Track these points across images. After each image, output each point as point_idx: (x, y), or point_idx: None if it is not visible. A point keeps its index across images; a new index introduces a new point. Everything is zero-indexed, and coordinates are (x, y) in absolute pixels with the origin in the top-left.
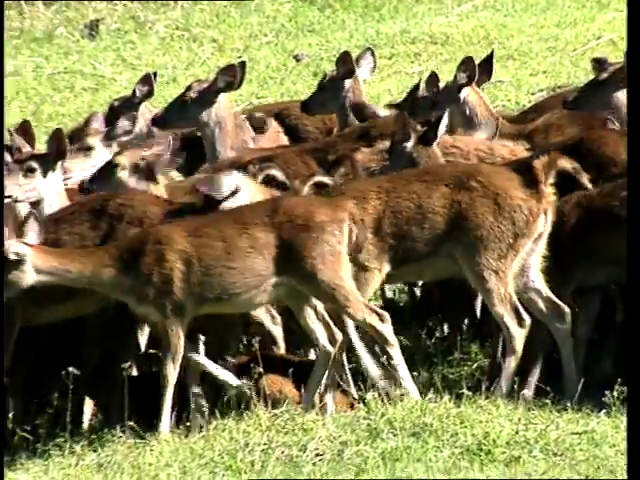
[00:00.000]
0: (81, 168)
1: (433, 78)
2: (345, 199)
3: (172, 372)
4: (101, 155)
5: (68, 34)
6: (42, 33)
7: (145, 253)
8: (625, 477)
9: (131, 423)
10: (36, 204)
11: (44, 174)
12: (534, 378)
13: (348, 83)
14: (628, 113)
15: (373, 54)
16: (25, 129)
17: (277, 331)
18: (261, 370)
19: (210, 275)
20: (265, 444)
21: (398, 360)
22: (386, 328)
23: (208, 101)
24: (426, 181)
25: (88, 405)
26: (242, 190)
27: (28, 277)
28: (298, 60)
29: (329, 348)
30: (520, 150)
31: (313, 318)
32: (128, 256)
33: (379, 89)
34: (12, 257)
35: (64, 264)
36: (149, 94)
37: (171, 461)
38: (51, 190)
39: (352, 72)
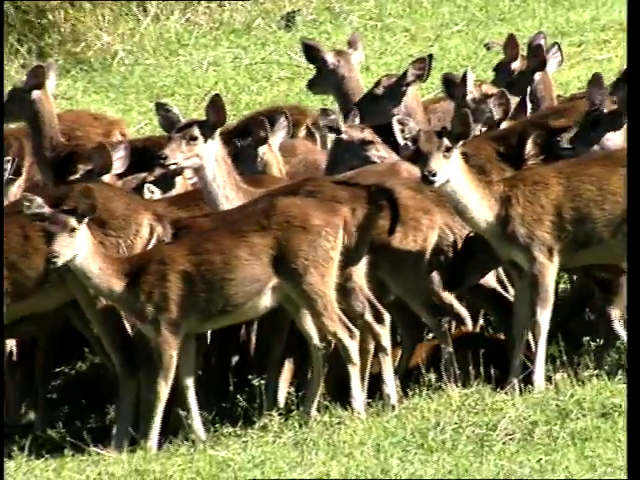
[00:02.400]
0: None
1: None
2: (341, 205)
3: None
4: None
5: (266, 25)
6: (241, 25)
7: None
8: None
9: (326, 402)
10: (197, 171)
11: (205, 141)
12: None
13: (538, 76)
14: (628, 112)
15: (560, 48)
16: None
17: (464, 312)
18: (450, 350)
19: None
20: (456, 423)
21: (355, 382)
22: (353, 345)
23: (398, 94)
24: (605, 164)
25: (283, 384)
26: None
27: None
28: (489, 49)
29: (322, 348)
30: None
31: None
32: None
33: (568, 76)
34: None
35: None
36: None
37: (365, 439)
38: (211, 157)
39: (544, 64)
